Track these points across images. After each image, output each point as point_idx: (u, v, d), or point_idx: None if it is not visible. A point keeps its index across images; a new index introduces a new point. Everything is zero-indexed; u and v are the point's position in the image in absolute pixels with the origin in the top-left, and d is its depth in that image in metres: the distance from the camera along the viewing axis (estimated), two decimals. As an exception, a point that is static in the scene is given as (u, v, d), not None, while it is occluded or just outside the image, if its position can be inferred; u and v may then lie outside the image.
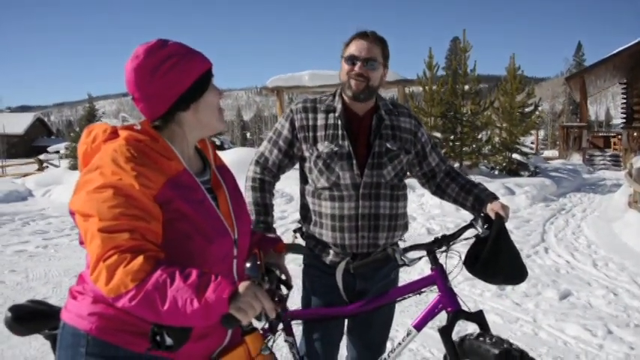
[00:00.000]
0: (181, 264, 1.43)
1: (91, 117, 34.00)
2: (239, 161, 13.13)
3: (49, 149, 36.56)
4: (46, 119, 77.03)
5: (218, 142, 24.99)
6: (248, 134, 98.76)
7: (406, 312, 4.63)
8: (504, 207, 2.38)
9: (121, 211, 1.42)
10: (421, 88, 17.05)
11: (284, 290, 2.01)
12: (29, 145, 58.99)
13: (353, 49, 2.39)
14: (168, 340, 1.39)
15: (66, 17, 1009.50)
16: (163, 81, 1.58)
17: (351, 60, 2.38)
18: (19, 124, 61.40)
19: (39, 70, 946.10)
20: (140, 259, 1.37)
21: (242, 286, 1.37)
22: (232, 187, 1.85)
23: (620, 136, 26.86)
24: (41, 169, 25.35)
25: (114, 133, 1.62)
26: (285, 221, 9.47)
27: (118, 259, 1.37)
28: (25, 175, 22.06)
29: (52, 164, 26.09)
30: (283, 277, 2.05)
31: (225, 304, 1.33)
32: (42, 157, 29.51)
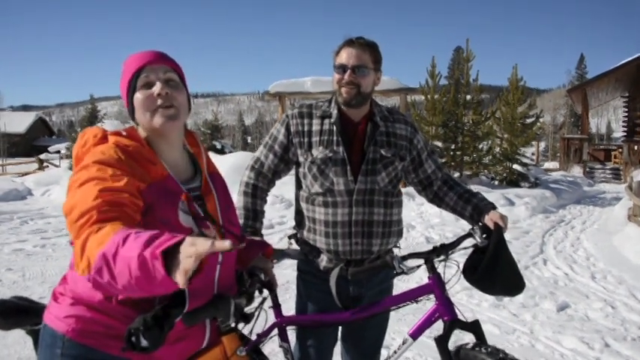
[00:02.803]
0: None
1: (93, 118, 34.02)
2: (238, 165, 13.14)
3: (49, 149, 36.65)
4: (47, 119, 77.13)
5: (219, 146, 25.02)
6: (249, 139, 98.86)
7: (403, 320, 4.61)
8: (503, 217, 2.37)
9: (99, 195, 1.42)
10: (423, 97, 17.07)
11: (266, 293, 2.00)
12: (30, 145, 59.08)
13: (342, 57, 2.39)
14: (144, 342, 1.36)
15: (70, 18, 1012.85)
16: (120, 85, 1.70)
17: (341, 69, 2.39)
18: (20, 124, 61.49)
19: (42, 70, 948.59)
20: (108, 226, 1.34)
21: (182, 240, 1.20)
22: (222, 195, 1.85)
23: (620, 150, 26.91)
24: (41, 168, 25.34)
25: (104, 138, 1.66)
26: (285, 226, 9.43)
27: (89, 232, 1.35)
28: (25, 174, 22.06)
29: (52, 164, 26.12)
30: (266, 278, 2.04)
31: (159, 259, 1.17)
32: (42, 156, 29.54)
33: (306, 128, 2.48)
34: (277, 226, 9.58)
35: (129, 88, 1.67)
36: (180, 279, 1.17)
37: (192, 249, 1.17)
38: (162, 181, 1.59)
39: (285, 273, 5.69)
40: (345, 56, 2.38)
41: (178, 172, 1.72)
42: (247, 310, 1.75)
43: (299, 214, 2.60)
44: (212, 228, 1.66)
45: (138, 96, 1.65)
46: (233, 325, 1.59)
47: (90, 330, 1.55)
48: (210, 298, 1.56)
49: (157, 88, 1.64)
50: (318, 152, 2.43)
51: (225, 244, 1.18)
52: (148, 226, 1.48)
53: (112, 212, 1.40)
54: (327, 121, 2.47)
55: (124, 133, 1.66)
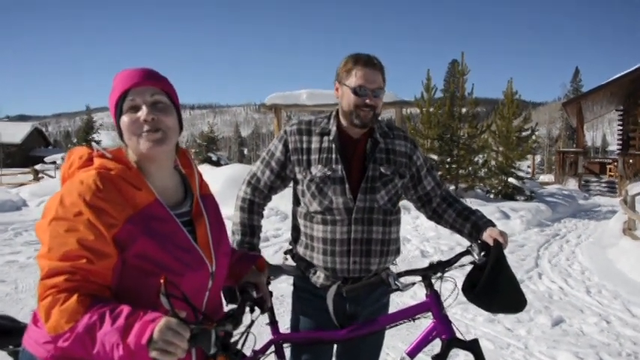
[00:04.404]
0: (137, 300, 1.45)
1: (89, 129, 34.02)
2: (234, 177, 13.15)
3: (45, 159, 36.47)
4: (44, 129, 76.89)
5: (214, 158, 25.03)
6: (246, 150, 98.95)
7: (397, 335, 4.59)
8: (502, 233, 2.35)
9: (67, 250, 1.43)
10: (419, 110, 17.12)
11: (256, 313, 1.94)
12: (26, 155, 58.80)
13: (360, 79, 2.32)
14: None
15: (67, 29, 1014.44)
16: (109, 104, 1.66)
17: (362, 91, 2.33)
18: (16, 134, 61.21)
19: (39, 80, 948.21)
20: (74, 299, 1.38)
21: (157, 328, 1.32)
22: (214, 218, 1.81)
23: (616, 163, 26.97)
24: (37, 179, 25.28)
25: (89, 160, 1.62)
26: (280, 239, 9.40)
27: (53, 300, 1.40)
28: (21, 184, 22.00)
29: (47, 175, 26.06)
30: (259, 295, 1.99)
31: (144, 349, 1.30)
32: (38, 167, 29.43)
33: (304, 145, 2.46)
34: (272, 238, 9.55)
35: (116, 110, 1.63)
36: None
37: (178, 348, 1.32)
38: (148, 208, 1.54)
39: (281, 287, 5.65)
40: (364, 78, 2.32)
41: (167, 195, 1.68)
42: (236, 332, 1.72)
43: (296, 231, 2.58)
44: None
45: (124, 119, 1.61)
46: (212, 353, 1.56)
47: (69, 357, 1.49)
48: None
49: (142, 113, 1.59)
50: (316, 170, 2.41)
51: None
52: (129, 265, 1.50)
53: (75, 282, 1.42)
54: (326, 138, 2.45)
55: (110, 156, 1.62)
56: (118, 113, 1.62)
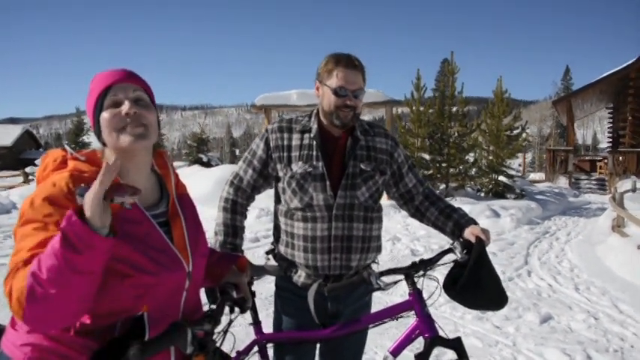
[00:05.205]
0: (114, 301, 1.47)
1: (79, 131, 33.83)
2: (224, 178, 13.02)
3: (36, 162, 36.25)
4: (35, 132, 76.48)
5: (205, 159, 24.95)
6: (237, 151, 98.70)
7: (385, 334, 4.59)
8: (485, 231, 2.36)
9: (33, 245, 1.41)
10: (409, 109, 17.17)
11: (235, 313, 1.90)
12: (17, 158, 58.49)
13: (341, 80, 2.34)
14: None
15: (57, 31, 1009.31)
16: (87, 104, 1.65)
17: (342, 92, 2.34)
18: (7, 136, 60.87)
19: (29, 83, 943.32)
20: (27, 268, 1.35)
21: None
22: (191, 218, 1.79)
23: (606, 160, 27.15)
24: (27, 181, 25.16)
25: (63, 163, 1.62)
26: (270, 239, 9.29)
27: (11, 280, 1.37)
28: (10, 187, 21.86)
29: (38, 177, 25.88)
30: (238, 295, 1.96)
31: (73, 215, 1.29)
32: (28, 169, 29.24)
33: (285, 143, 2.47)
34: (263, 239, 9.46)
35: (95, 108, 1.61)
36: (94, 221, 1.30)
37: (90, 191, 1.30)
38: (121, 210, 1.49)
39: (269, 287, 5.63)
40: (345, 79, 2.34)
41: (143, 196, 1.64)
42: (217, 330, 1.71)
43: (277, 229, 2.59)
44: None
45: (105, 115, 1.59)
46: (189, 352, 1.55)
47: (47, 359, 1.50)
48: (166, 327, 1.51)
49: (125, 107, 1.58)
50: (297, 167, 2.42)
51: (114, 165, 1.31)
52: (107, 282, 1.47)
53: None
54: (306, 135, 2.46)
55: (83, 158, 1.62)
56: (98, 110, 1.61)
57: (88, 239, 1.30)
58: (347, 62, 2.36)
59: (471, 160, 17.92)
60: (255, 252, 8.07)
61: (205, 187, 12.81)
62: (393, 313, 2.35)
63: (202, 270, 1.81)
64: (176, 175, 1.84)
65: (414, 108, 16.77)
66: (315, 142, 2.43)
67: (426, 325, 2.25)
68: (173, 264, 1.63)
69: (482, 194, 17.41)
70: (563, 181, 25.98)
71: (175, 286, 1.66)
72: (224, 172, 14.55)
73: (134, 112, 1.59)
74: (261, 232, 9.91)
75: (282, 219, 2.52)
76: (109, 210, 1.33)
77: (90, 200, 1.30)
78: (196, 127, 29.46)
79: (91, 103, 1.63)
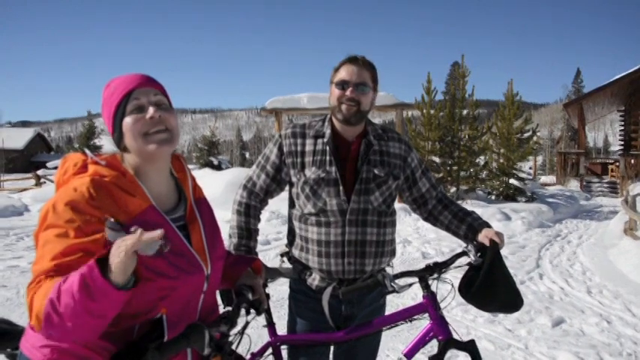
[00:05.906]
0: (133, 305, 1.47)
1: (90, 134, 34.02)
2: (235, 181, 13.17)
3: (47, 165, 36.50)
4: (46, 135, 77.12)
5: (216, 162, 25.04)
6: (247, 154, 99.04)
7: (398, 337, 4.60)
8: (498, 234, 2.36)
9: (56, 253, 1.42)
10: (420, 113, 17.13)
11: (251, 315, 1.92)
12: (28, 161, 59.03)
13: (343, 74, 2.39)
14: None
15: (69, 34, 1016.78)
16: (104, 110, 1.65)
17: (342, 85, 2.39)
18: (18, 139, 61.42)
19: (41, 86, 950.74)
20: (49, 281, 1.37)
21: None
22: (209, 222, 1.80)
23: (617, 163, 26.94)
24: (38, 184, 25.31)
25: (83, 167, 1.62)
26: (280, 242, 9.31)
27: (33, 291, 1.38)
28: (22, 190, 22.02)
29: (49, 180, 26.05)
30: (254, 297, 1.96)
31: (94, 268, 1.29)
32: (40, 172, 29.44)
33: (299, 148, 2.48)
34: (274, 242, 9.51)
35: (115, 113, 1.61)
36: (117, 277, 1.29)
37: (122, 244, 1.29)
38: (141, 214, 1.52)
39: (282, 289, 5.67)
40: (347, 73, 2.39)
41: (162, 201, 1.67)
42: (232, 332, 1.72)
43: (291, 233, 2.60)
44: None
45: (128, 120, 1.59)
46: (206, 353, 1.56)
47: None
48: (183, 329, 1.52)
49: (150, 111, 1.59)
50: (310, 172, 2.43)
51: (156, 233, 1.30)
52: None
53: (60, 273, 1.40)
54: (320, 140, 2.47)
55: (104, 163, 1.61)
56: (119, 116, 1.61)
57: (107, 292, 1.31)
58: (352, 59, 2.42)
59: (482, 163, 17.84)
60: (266, 254, 8.12)
61: (216, 190, 12.86)
62: (406, 315, 2.35)
63: (220, 272, 1.83)
64: (193, 179, 1.85)
65: (424, 111, 16.72)
66: (328, 148, 2.44)
67: (440, 327, 2.25)
68: (192, 267, 1.65)
69: (493, 197, 17.36)
70: (574, 184, 25.85)
71: (194, 288, 1.67)
72: (234, 175, 14.61)
73: (159, 115, 1.60)
74: (271, 235, 9.93)
75: (296, 223, 2.53)
76: (136, 259, 1.33)
77: (117, 256, 1.30)
78: (206, 130, 29.52)
79: (111, 109, 1.63)
